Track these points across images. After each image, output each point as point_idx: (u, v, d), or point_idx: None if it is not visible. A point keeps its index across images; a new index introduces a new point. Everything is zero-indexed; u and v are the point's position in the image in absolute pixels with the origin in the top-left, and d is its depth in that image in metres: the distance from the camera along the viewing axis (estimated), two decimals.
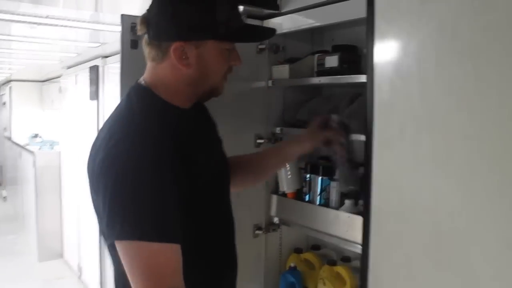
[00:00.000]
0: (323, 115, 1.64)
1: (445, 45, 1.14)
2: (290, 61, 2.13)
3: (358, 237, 1.72)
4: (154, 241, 1.02)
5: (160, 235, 1.03)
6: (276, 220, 2.16)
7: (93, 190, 1.14)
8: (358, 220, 1.74)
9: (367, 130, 1.20)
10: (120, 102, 1.28)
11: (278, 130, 2.16)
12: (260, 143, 2.14)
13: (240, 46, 2.02)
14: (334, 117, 1.62)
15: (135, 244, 1.02)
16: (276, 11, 2.03)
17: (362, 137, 1.70)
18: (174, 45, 1.17)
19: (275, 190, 2.20)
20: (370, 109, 1.17)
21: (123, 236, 1.03)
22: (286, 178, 2.11)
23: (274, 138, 2.17)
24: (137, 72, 1.82)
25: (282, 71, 2.08)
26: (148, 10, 1.24)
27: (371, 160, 1.13)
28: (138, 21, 1.26)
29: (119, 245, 1.04)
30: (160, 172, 1.07)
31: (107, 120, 1.24)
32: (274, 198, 2.17)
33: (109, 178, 1.06)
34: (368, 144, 1.23)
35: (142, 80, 1.28)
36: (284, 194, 2.14)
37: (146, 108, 1.21)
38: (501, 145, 1.03)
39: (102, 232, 1.12)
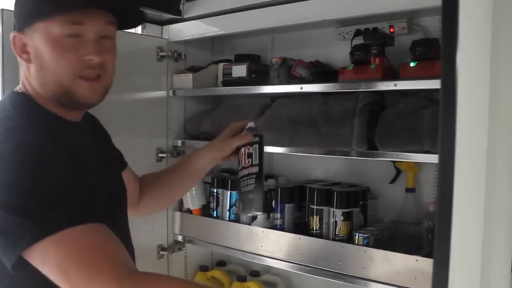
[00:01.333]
0: (237, 122, 1.44)
1: None
2: (191, 69, 2.03)
3: (275, 252, 1.69)
4: (79, 224, 0.87)
5: (82, 216, 0.88)
6: (180, 238, 2.03)
7: None
8: (273, 234, 1.71)
9: (444, 148, 0.93)
10: None
11: (179, 143, 2.04)
12: (162, 157, 1.99)
13: (137, 53, 1.91)
14: (251, 124, 1.41)
15: (60, 236, 0.85)
16: (178, 17, 1.91)
17: (279, 149, 1.68)
18: (11, 36, 1.03)
19: (179, 207, 2.07)
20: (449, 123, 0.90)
21: (42, 234, 0.84)
22: (190, 194, 1.99)
23: (176, 152, 2.04)
24: None
25: (185, 80, 1.96)
26: None
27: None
28: None
29: (40, 249, 0.85)
30: (57, 164, 0.93)
31: None
32: (178, 215, 2.04)
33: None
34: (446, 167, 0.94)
35: (18, 87, 1.10)
36: (189, 211, 2.01)
37: (23, 113, 1.03)
38: None
39: None
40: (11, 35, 1.02)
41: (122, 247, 0.92)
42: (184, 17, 1.92)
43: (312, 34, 1.90)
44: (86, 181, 0.98)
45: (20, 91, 1.07)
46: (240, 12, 1.79)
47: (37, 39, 1.00)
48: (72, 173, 0.94)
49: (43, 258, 0.85)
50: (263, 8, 1.73)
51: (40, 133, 0.98)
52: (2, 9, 1.52)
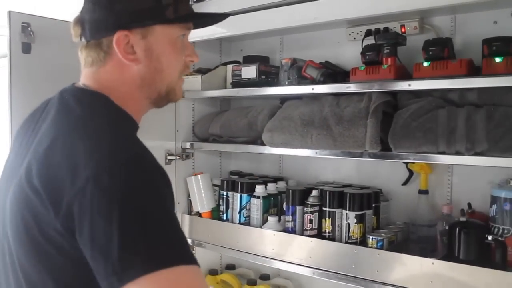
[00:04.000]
0: None
1: None
2: (200, 71, 2.01)
3: (286, 255, 1.67)
4: (191, 264, 0.79)
5: (191, 256, 0.81)
6: (189, 242, 2.01)
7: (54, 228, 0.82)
8: (284, 237, 1.69)
9: None
10: (62, 108, 0.95)
11: (188, 145, 2.02)
12: (171, 160, 1.98)
13: None
14: (315, 193, 1.67)
15: (171, 272, 0.77)
16: None
17: (290, 151, 1.65)
18: (117, 36, 0.95)
19: (188, 210, 2.05)
20: None
21: (153, 267, 0.75)
22: (199, 197, 1.97)
23: (185, 154, 2.03)
24: (30, 80, 1.57)
25: (194, 82, 1.94)
26: (81, 10, 1.02)
27: None
28: (71, 24, 1.02)
29: (146, 281, 0.75)
30: (165, 193, 0.85)
31: (46, 136, 0.91)
32: (187, 218, 2.02)
33: (113, 209, 0.78)
34: None
35: (81, 84, 1.00)
36: (198, 214, 2.00)
37: (113, 117, 0.96)
38: None
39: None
40: (117, 34, 0.94)
41: None
42: None
43: (321, 34, 1.89)
44: None
45: (95, 91, 0.98)
46: (249, 13, 1.77)
47: (155, 40, 0.98)
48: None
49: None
50: (272, 9, 1.71)
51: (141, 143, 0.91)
52: (10, 11, 1.51)
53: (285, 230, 1.72)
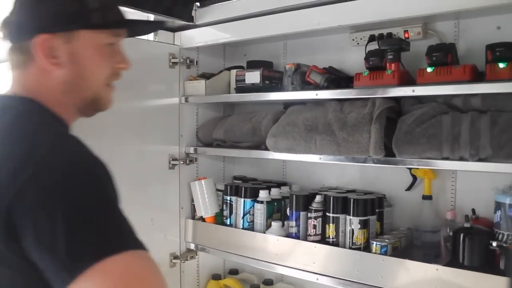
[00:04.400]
0: None
1: None
2: (203, 76, 2.02)
3: (290, 260, 1.67)
4: (139, 249, 0.79)
5: (139, 242, 0.81)
6: (193, 246, 2.01)
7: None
8: (288, 242, 1.69)
9: None
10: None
11: (192, 150, 2.02)
12: (175, 165, 1.98)
13: (149, 60, 1.90)
14: (318, 198, 1.67)
15: (120, 257, 0.75)
16: (191, 23, 1.90)
17: (294, 157, 1.66)
18: (38, 39, 0.92)
19: (191, 215, 2.05)
20: None
21: (102, 254, 0.73)
22: (203, 202, 1.98)
23: (188, 159, 2.03)
24: None
25: (198, 87, 1.95)
26: (10, 11, 0.99)
27: None
28: None
29: (96, 271, 0.73)
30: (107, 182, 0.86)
31: None
32: (190, 223, 2.02)
33: (55, 206, 0.76)
34: None
35: (10, 93, 0.99)
36: (201, 219, 2.00)
37: (45, 120, 0.95)
38: None
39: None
40: (38, 38, 0.92)
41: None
42: (197, 23, 1.92)
43: (325, 40, 1.89)
44: None
45: (22, 96, 0.96)
46: (253, 18, 1.77)
47: (80, 45, 0.96)
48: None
49: (104, 276, 0.74)
50: (276, 14, 1.72)
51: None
52: None
53: (288, 235, 1.72)
